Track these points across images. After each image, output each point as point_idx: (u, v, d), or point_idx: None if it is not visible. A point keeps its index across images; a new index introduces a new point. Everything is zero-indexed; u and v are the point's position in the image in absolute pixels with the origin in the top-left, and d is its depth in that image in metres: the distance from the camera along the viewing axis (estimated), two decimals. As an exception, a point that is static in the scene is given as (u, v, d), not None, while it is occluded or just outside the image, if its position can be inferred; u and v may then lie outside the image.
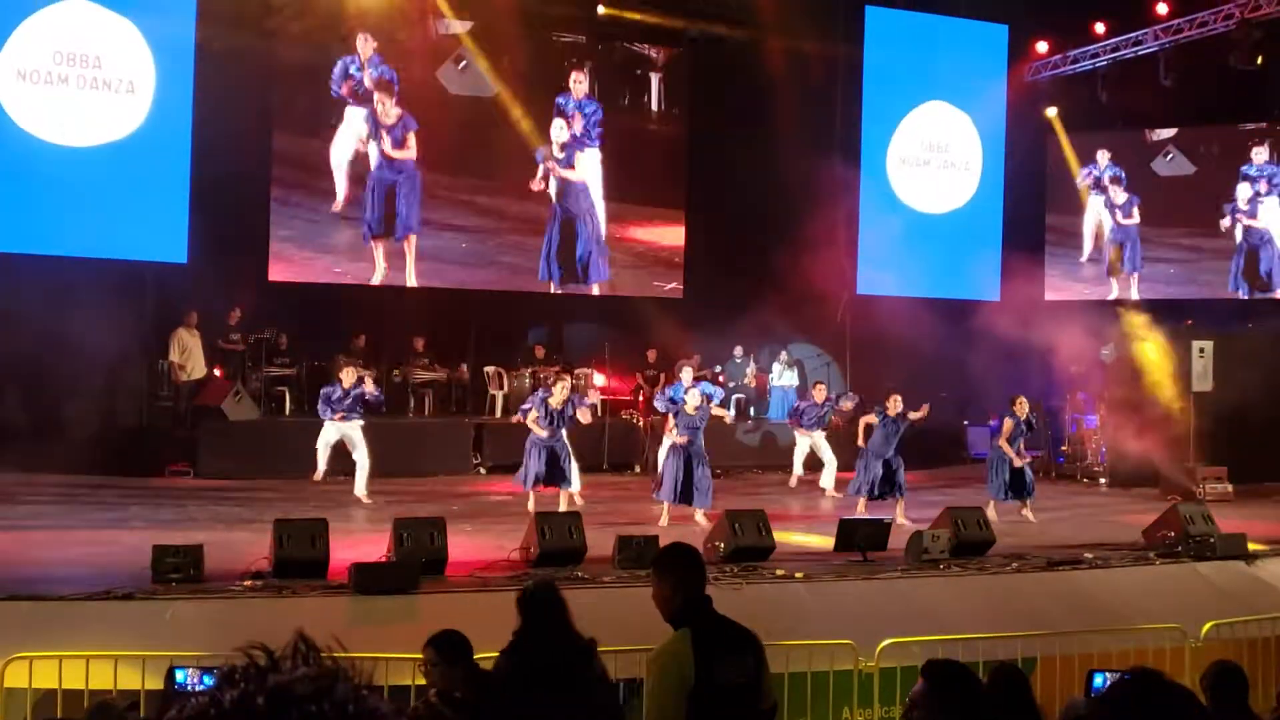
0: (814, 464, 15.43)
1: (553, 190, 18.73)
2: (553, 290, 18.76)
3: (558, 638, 4.65)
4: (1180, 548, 10.63)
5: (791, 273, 17.47)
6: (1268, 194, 19.74)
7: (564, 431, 12.56)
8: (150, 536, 9.44)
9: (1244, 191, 19.84)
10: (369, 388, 13.10)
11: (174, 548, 8.52)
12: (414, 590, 8.38)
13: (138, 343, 15.58)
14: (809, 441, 15.27)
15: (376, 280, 17.85)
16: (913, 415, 13.13)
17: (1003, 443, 13.11)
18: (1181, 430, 15.80)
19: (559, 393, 12.39)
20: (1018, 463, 13.05)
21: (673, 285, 19.93)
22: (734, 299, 18.50)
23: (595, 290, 19.06)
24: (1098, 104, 19.80)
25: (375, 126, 17.56)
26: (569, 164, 18.75)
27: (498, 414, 17.37)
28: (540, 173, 18.52)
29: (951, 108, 19.92)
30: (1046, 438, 17.79)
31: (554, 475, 12.32)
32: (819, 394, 15.32)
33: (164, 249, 15.42)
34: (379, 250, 17.81)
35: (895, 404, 13.03)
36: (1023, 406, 13.26)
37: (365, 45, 17.46)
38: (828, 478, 14.99)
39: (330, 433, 13.20)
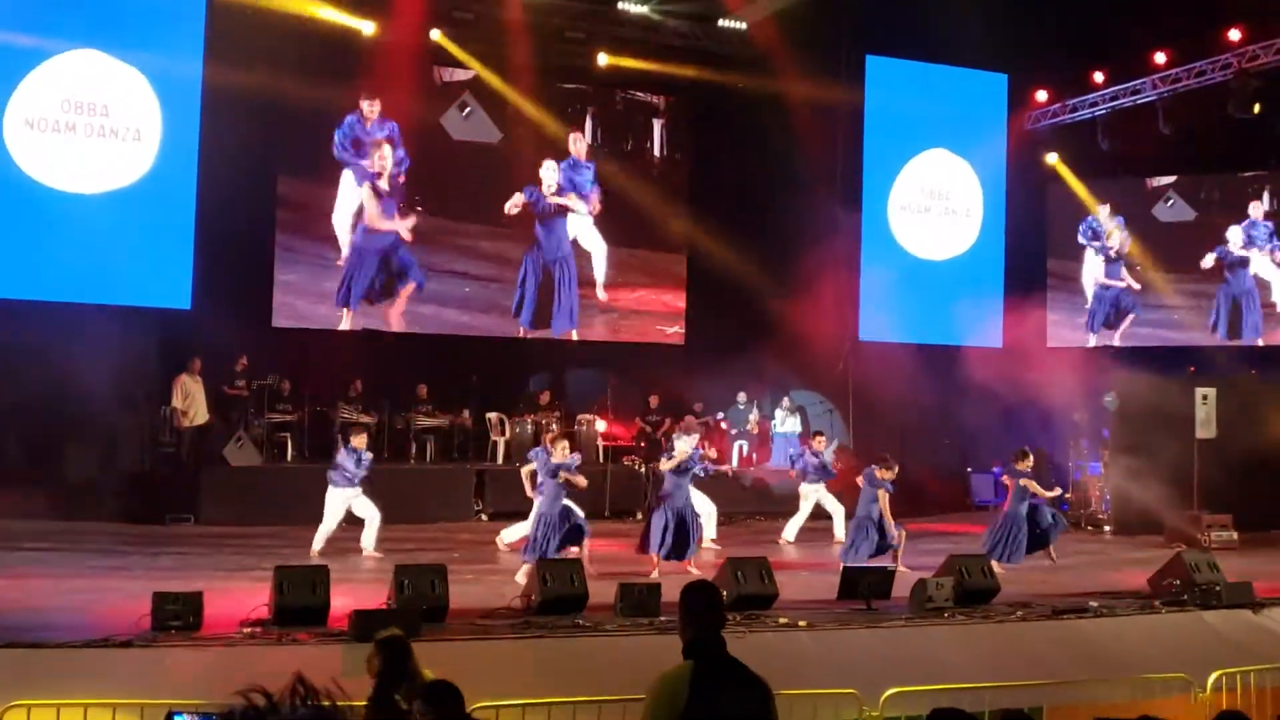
0: (819, 512, 15.19)
1: (539, 234, 18.89)
2: (523, 334, 18.82)
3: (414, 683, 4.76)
4: (1186, 596, 10.56)
5: (793, 319, 17.53)
6: (1251, 246, 19.88)
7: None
8: (150, 583, 9.39)
9: (1235, 236, 19.95)
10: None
11: (174, 595, 8.47)
12: (414, 638, 8.27)
13: (141, 388, 15.61)
14: (815, 497, 14.90)
15: (377, 325, 17.94)
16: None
17: (1031, 485, 13.06)
18: (1186, 477, 15.74)
19: (559, 453, 11.86)
20: (1046, 494, 13.10)
21: (674, 330, 20.00)
22: (736, 345, 18.54)
23: (574, 336, 19.12)
24: (1097, 152, 19.95)
25: (370, 180, 17.77)
26: (558, 210, 18.90)
27: (499, 460, 17.35)
28: (518, 199, 18.62)
29: (952, 155, 20.06)
30: (1050, 485, 17.73)
31: (567, 538, 11.57)
32: (818, 443, 15.07)
33: (168, 295, 15.48)
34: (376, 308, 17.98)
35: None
36: (1028, 461, 13.17)
37: (371, 109, 17.66)
38: (839, 527, 14.82)
39: (339, 507, 12.66)
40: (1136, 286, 20.55)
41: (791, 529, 14.94)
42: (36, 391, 14.12)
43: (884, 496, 12.54)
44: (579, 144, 19.11)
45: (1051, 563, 13.24)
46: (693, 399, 18.52)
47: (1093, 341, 20.73)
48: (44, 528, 13.31)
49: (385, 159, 17.72)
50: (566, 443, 12.14)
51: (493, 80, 18.48)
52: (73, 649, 7.81)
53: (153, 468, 15.95)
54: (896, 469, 12.87)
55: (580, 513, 11.85)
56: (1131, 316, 20.62)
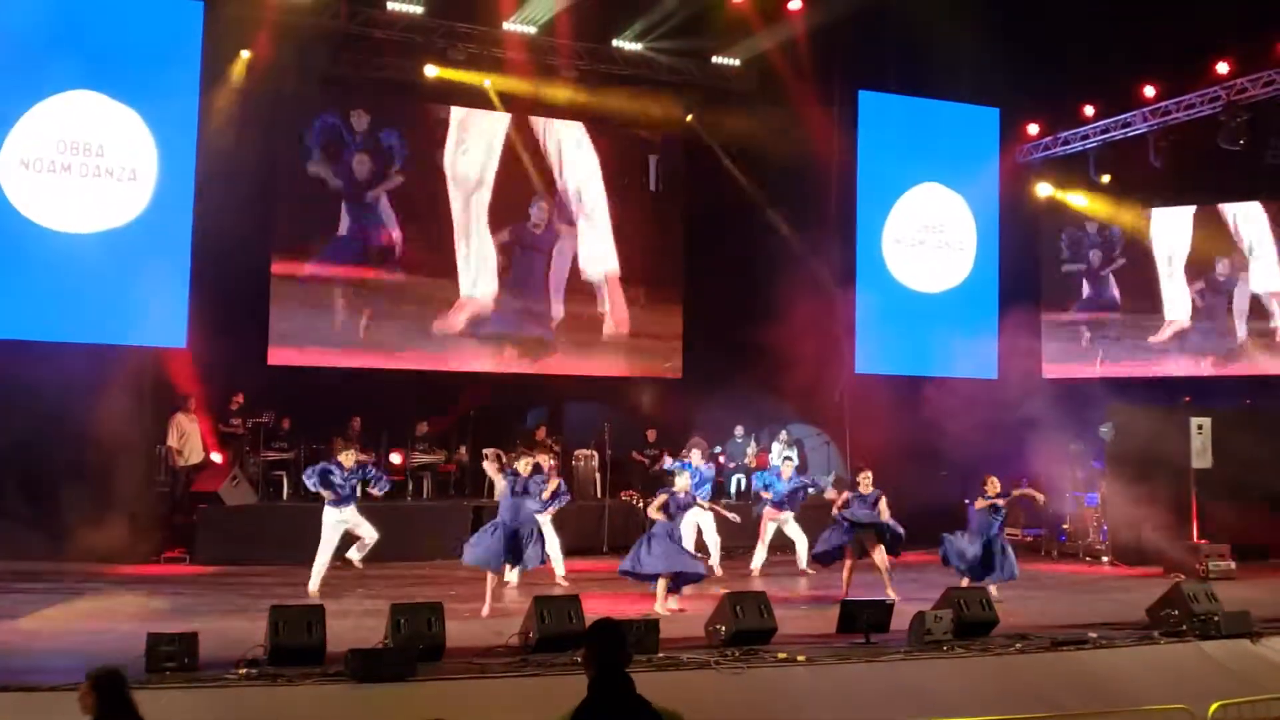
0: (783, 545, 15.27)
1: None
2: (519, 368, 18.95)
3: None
4: (1185, 626, 10.54)
5: (790, 353, 17.55)
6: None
7: (533, 506, 12.10)
8: (145, 624, 9.34)
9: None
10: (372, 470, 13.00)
11: (169, 636, 8.41)
12: (411, 678, 8.27)
13: (136, 428, 15.54)
14: (775, 525, 14.96)
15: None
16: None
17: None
18: (1183, 507, 15.73)
19: (524, 468, 12.03)
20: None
21: (671, 365, 20.02)
22: (733, 379, 18.56)
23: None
24: (1089, 184, 20.08)
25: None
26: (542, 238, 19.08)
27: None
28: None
29: (945, 189, 20.16)
30: (1049, 516, 17.74)
31: (513, 554, 11.74)
32: (786, 470, 15.07)
33: (164, 334, 15.47)
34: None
35: (865, 481, 12.95)
36: (993, 485, 13.15)
37: (359, 119, 17.85)
38: (803, 558, 14.90)
39: (333, 534, 12.64)
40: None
41: (763, 550, 15.01)
42: (31, 431, 14.09)
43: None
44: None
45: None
46: (690, 433, 18.50)
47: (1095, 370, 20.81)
48: (37, 568, 13.24)
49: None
50: (529, 460, 12.23)
51: (488, 115, 18.67)
52: (67, 692, 7.73)
53: (148, 507, 15.88)
54: (868, 476, 12.99)
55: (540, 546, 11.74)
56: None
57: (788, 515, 14.85)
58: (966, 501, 13.65)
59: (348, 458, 12.81)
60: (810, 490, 15.09)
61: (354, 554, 12.84)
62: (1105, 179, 20.03)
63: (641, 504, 16.99)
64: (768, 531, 15.01)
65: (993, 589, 12.67)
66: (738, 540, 16.88)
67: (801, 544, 14.83)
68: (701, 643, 9.73)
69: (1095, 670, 9.56)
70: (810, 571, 14.55)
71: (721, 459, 18.95)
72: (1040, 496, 13.51)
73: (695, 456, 15.08)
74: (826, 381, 18.92)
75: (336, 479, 12.60)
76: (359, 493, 12.96)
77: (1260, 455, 15.77)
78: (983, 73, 18.29)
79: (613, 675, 4.52)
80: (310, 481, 12.63)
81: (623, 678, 4.54)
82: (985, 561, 12.82)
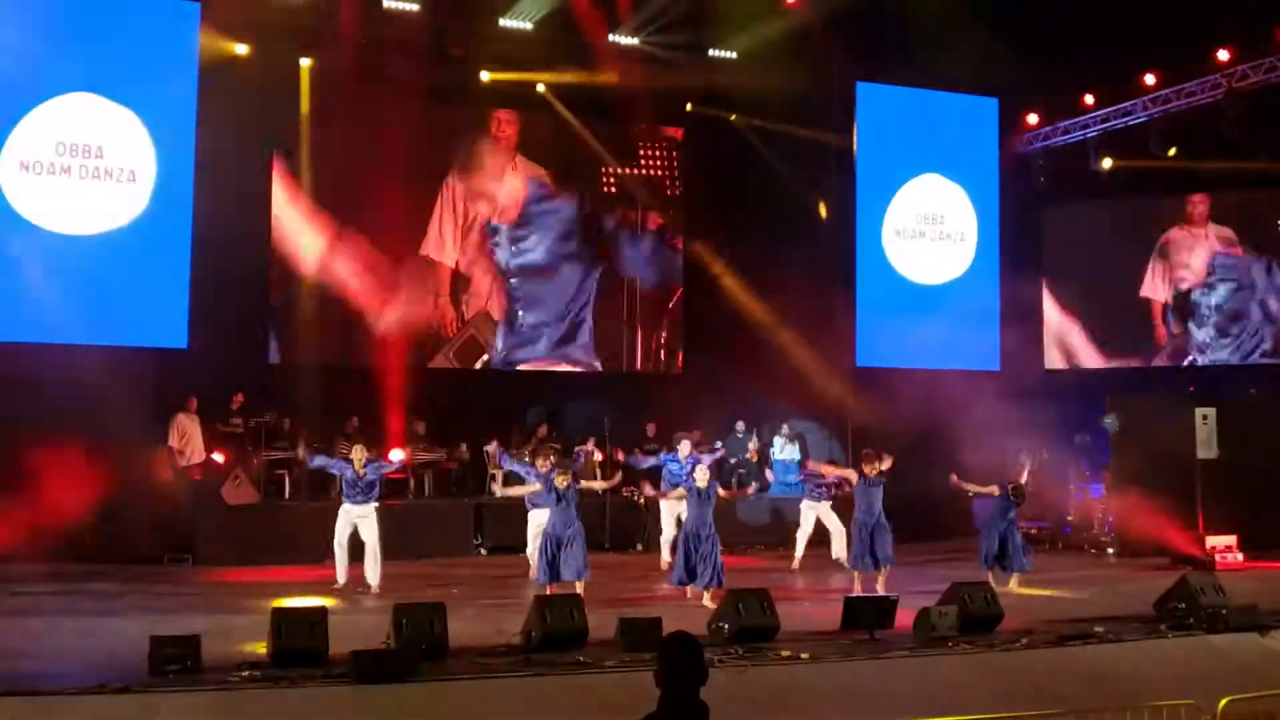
0: (817, 538, 15.22)
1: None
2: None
3: None
4: (1192, 620, 10.48)
5: (790, 346, 17.50)
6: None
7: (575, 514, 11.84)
8: (148, 626, 9.30)
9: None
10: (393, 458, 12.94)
11: (171, 638, 8.39)
12: (414, 678, 8.24)
13: (137, 429, 15.50)
14: (815, 515, 15.01)
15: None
16: (883, 467, 12.77)
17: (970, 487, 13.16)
18: (1189, 498, 15.66)
19: (554, 469, 11.93)
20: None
21: (673, 359, 19.96)
22: (734, 373, 18.50)
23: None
24: (1090, 173, 19.99)
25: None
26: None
27: (498, 494, 17.24)
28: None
29: (945, 180, 20.08)
30: (1052, 508, 17.70)
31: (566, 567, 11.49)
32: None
33: (164, 334, 15.44)
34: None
35: (872, 465, 12.77)
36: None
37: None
38: (837, 547, 14.82)
39: (344, 526, 12.65)
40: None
41: (800, 545, 14.98)
42: (33, 433, 14.04)
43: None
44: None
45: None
46: (691, 428, 18.43)
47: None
48: (38, 570, 13.20)
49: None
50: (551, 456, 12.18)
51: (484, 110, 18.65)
52: (69, 695, 7.72)
53: (150, 508, 15.81)
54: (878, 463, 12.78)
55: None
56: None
57: (824, 505, 14.84)
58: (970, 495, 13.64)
59: (358, 455, 12.76)
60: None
61: (371, 578, 12.64)
62: (1106, 163, 19.92)
63: (642, 499, 16.98)
64: (806, 522, 14.99)
65: (1012, 583, 12.72)
66: (742, 537, 16.89)
67: (839, 534, 14.76)
68: (705, 641, 9.68)
69: (1102, 666, 9.51)
70: (845, 565, 14.52)
71: (723, 453, 18.88)
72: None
73: (684, 447, 14.98)
74: (828, 375, 18.86)
75: (350, 479, 12.66)
76: (374, 492, 12.87)
77: (1265, 445, 15.73)
78: (981, 63, 18.19)
79: (683, 696, 4.27)
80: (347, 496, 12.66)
81: (695, 703, 4.26)
82: (1000, 554, 13.01)
